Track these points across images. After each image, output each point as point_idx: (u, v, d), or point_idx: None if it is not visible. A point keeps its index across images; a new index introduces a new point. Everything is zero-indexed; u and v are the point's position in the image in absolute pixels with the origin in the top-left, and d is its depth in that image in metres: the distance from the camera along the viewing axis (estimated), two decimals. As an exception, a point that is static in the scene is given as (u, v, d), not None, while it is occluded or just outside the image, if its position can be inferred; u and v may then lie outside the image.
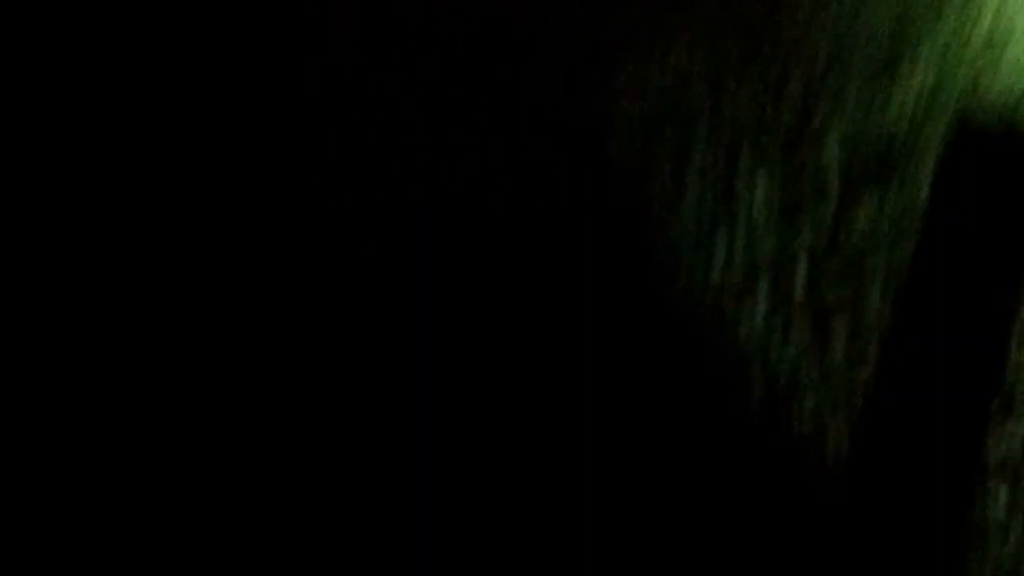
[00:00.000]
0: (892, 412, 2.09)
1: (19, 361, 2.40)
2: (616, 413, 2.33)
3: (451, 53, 2.97)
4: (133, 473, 2.22)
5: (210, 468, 2.23)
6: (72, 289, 2.54)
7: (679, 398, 2.35)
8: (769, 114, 2.63)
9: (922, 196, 2.56)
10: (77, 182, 2.74)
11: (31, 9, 2.92)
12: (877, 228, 2.49)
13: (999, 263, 2.14)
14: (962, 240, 2.15)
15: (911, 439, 2.08)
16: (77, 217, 2.67)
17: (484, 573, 2.08)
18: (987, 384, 2.11)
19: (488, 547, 2.12)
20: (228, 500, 2.18)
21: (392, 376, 2.40)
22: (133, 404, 2.33)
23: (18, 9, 2.90)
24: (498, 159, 2.77)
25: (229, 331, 2.48)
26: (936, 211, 2.16)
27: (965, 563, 2.08)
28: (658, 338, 2.42)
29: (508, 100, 2.87)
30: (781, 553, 2.10)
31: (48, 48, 2.91)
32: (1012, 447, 2.20)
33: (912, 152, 2.62)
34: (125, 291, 2.54)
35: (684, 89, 2.68)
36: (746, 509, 2.15)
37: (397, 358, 2.43)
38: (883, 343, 2.23)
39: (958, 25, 2.76)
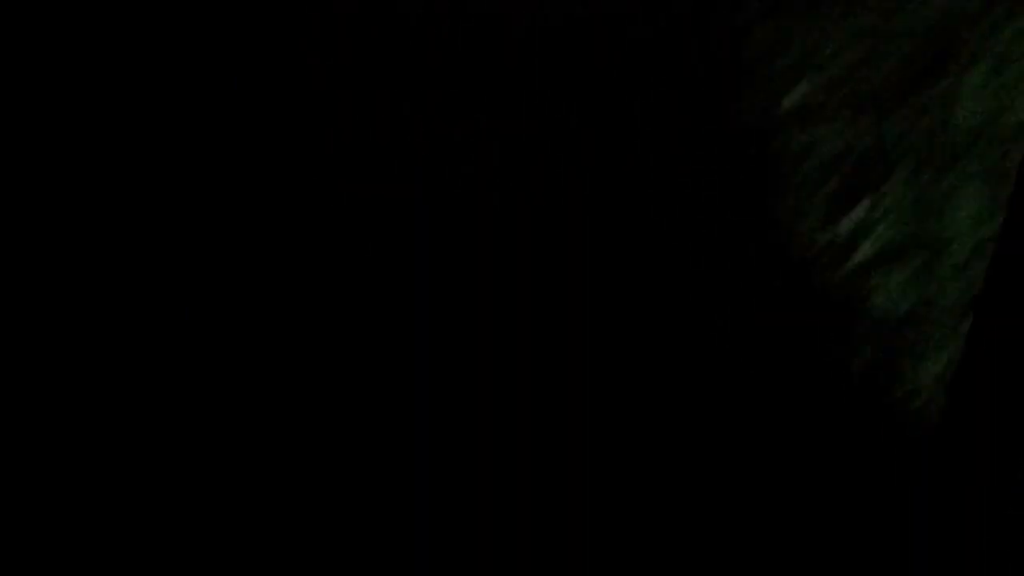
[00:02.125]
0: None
1: (18, 360, 2.39)
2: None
3: (452, 52, 2.96)
4: (133, 473, 2.21)
5: (210, 468, 2.22)
6: (72, 289, 2.54)
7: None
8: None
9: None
10: (76, 182, 2.73)
11: (31, 8, 2.91)
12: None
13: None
14: None
15: None
16: (76, 217, 2.67)
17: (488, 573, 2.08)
18: None
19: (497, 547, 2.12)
20: (228, 500, 2.18)
21: (394, 377, 2.39)
22: (133, 404, 2.33)
23: (18, 8, 2.90)
24: (499, 159, 2.77)
25: (229, 331, 2.47)
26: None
27: None
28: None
29: (509, 98, 2.87)
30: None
31: (47, 47, 2.90)
32: None
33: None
34: (125, 291, 2.53)
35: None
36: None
37: (397, 358, 2.43)
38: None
39: None
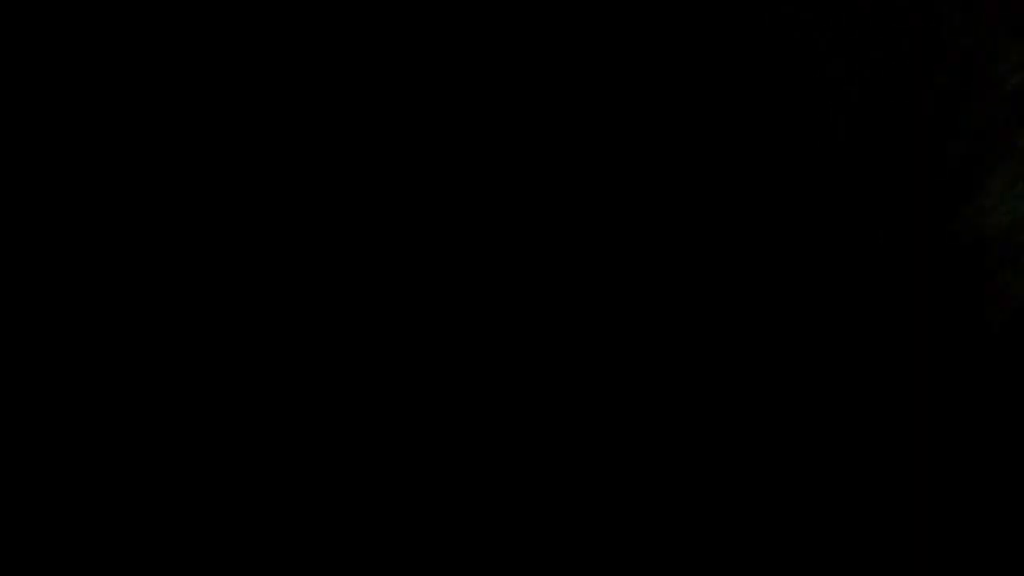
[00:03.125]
0: None
1: (20, 361, 2.39)
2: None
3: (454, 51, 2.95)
4: (133, 473, 2.20)
5: (210, 468, 2.21)
6: (72, 289, 2.54)
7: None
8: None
9: None
10: (77, 182, 2.74)
11: (34, 8, 2.91)
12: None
13: None
14: None
15: None
16: (77, 217, 2.67)
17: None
18: None
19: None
20: (228, 500, 2.16)
21: (404, 378, 2.38)
22: (133, 404, 2.32)
23: (21, 8, 2.90)
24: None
25: (229, 332, 2.47)
26: None
27: None
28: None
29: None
30: None
31: (49, 47, 2.91)
32: None
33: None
34: (126, 291, 2.53)
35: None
36: None
37: (402, 360, 2.41)
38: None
39: None
